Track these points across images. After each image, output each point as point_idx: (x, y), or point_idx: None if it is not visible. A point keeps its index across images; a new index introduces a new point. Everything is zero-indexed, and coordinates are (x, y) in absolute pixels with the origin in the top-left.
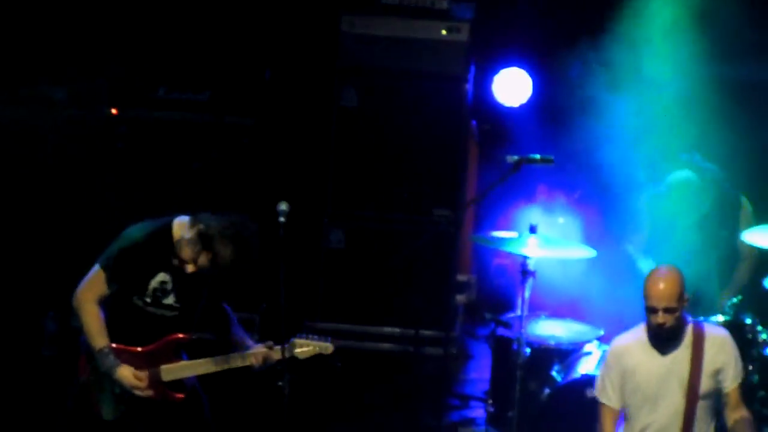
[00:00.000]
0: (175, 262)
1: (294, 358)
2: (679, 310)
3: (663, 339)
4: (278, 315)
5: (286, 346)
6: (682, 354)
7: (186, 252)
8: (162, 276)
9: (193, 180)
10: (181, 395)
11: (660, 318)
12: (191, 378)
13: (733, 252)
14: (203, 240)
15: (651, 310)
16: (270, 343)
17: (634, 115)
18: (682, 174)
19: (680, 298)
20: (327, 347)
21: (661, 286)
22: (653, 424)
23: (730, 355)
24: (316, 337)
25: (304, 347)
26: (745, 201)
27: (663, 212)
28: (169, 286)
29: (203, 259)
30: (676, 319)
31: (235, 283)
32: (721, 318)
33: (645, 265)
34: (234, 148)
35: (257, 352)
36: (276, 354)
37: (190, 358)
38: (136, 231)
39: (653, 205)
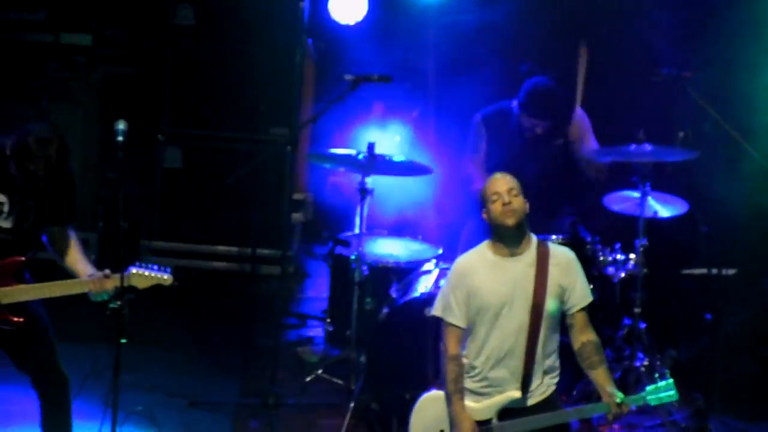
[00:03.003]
0: (28, 168)
1: (131, 287)
2: (523, 199)
3: (510, 235)
4: (116, 234)
5: (125, 274)
6: (526, 271)
7: (29, 157)
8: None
9: (28, 98)
10: (20, 319)
11: (506, 197)
12: (34, 302)
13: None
14: (34, 146)
15: (495, 198)
16: (107, 271)
17: (469, 34)
18: (539, 80)
19: (521, 190)
20: (165, 279)
21: (501, 177)
22: (498, 340)
23: (575, 277)
24: (155, 267)
25: (143, 277)
26: (581, 115)
27: (499, 127)
28: (6, 207)
29: (40, 166)
30: (521, 205)
31: (64, 200)
32: (560, 238)
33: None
34: (71, 67)
35: (96, 280)
36: (113, 282)
37: (35, 281)
38: None
39: (489, 123)
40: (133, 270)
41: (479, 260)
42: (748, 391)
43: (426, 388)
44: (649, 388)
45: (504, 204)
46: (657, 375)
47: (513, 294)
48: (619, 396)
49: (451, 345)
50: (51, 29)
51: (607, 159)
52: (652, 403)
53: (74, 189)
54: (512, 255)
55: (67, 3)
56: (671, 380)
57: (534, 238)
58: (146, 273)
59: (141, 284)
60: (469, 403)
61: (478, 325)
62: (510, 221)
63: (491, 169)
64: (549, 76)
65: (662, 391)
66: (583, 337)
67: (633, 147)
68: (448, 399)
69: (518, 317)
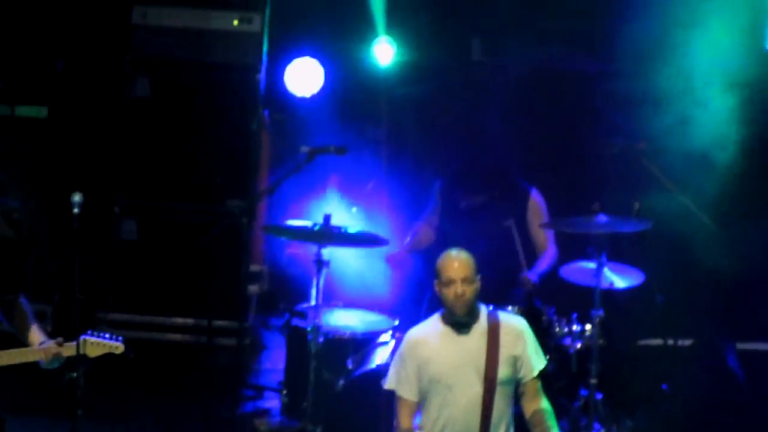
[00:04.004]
0: None
1: (84, 356)
2: (476, 284)
3: (460, 320)
4: (72, 306)
5: (77, 343)
6: (477, 341)
7: None
8: None
9: None
10: None
11: (459, 288)
12: None
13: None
14: None
15: (448, 283)
16: (60, 339)
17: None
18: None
19: (475, 272)
20: (117, 347)
21: (456, 260)
22: (451, 412)
23: (526, 344)
24: (107, 335)
25: (95, 346)
26: (536, 193)
27: (454, 195)
28: None
29: None
30: (474, 292)
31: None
32: (516, 308)
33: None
34: (26, 139)
35: (47, 347)
36: (65, 350)
37: None
38: None
39: (445, 189)
40: (85, 338)
41: (430, 331)
42: None
43: None
44: None
45: (457, 295)
46: None
47: (465, 365)
48: None
49: (403, 418)
50: (6, 101)
51: (562, 230)
52: None
53: (24, 258)
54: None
55: (22, 75)
56: None
57: (484, 309)
58: (98, 341)
59: (93, 352)
60: None
61: (431, 397)
62: (461, 312)
63: (445, 240)
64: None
65: None
66: (535, 404)
67: (588, 218)
68: None
69: (471, 389)
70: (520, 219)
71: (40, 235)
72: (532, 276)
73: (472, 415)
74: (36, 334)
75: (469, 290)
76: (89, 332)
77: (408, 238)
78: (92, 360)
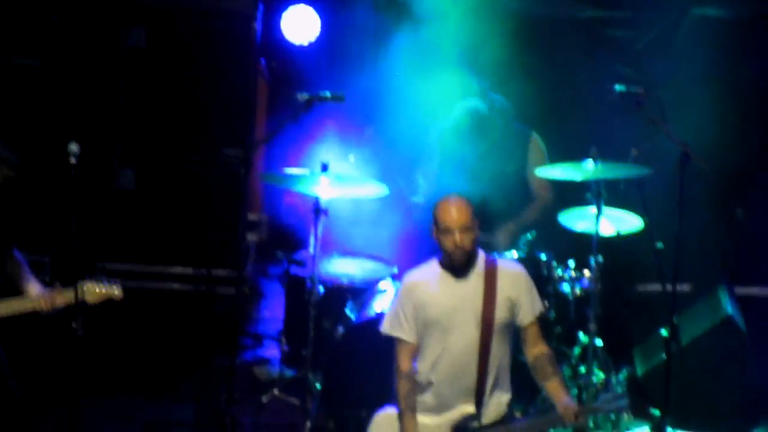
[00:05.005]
0: None
1: (83, 303)
2: (474, 231)
3: (458, 266)
4: (70, 257)
5: (76, 289)
6: (475, 285)
7: None
8: None
9: None
10: None
11: (458, 237)
12: None
13: (523, 188)
14: None
15: (446, 232)
16: (57, 286)
17: (423, 51)
18: (470, 103)
19: (473, 219)
20: (115, 292)
21: (454, 207)
22: (449, 356)
23: (523, 289)
24: (105, 281)
25: (93, 292)
26: (536, 138)
27: (452, 143)
28: None
29: None
30: (473, 242)
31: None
32: (515, 254)
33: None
34: (23, 89)
35: (45, 295)
36: (62, 298)
37: None
38: None
39: (443, 138)
40: (84, 284)
41: (428, 275)
42: (704, 405)
43: (382, 407)
44: (601, 397)
45: (455, 244)
46: (609, 386)
47: (462, 309)
48: (574, 406)
49: (402, 361)
50: (2, 52)
51: (561, 176)
52: (605, 413)
53: (16, 211)
54: (461, 271)
55: (16, 25)
56: (623, 390)
57: (482, 254)
58: (96, 287)
59: (92, 298)
60: (423, 419)
61: (429, 341)
62: (458, 261)
63: (444, 186)
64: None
65: (614, 400)
66: (536, 349)
67: (586, 164)
68: (400, 416)
69: (468, 333)
70: (521, 163)
71: (39, 184)
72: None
73: (469, 359)
74: (33, 285)
75: (468, 238)
76: (87, 278)
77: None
78: (91, 309)
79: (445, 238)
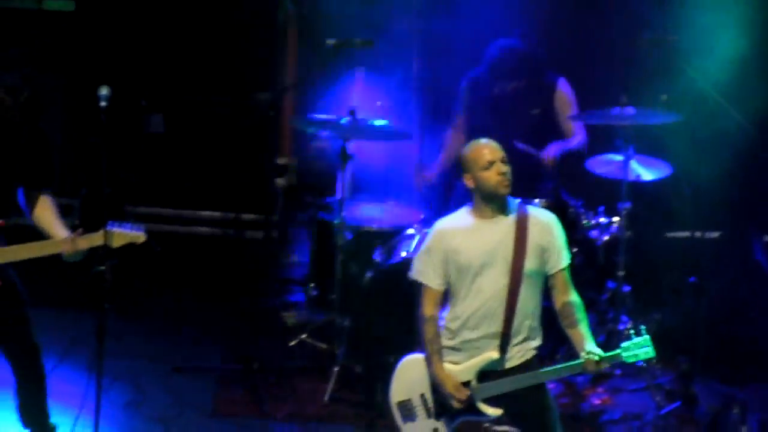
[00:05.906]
0: None
1: (105, 247)
2: (510, 165)
3: (501, 200)
4: (99, 200)
5: (100, 233)
6: (506, 233)
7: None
8: None
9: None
10: None
11: (502, 167)
12: (9, 268)
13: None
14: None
15: (489, 166)
16: (80, 230)
17: None
18: (507, 42)
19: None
20: (139, 236)
21: (489, 145)
22: (477, 302)
23: (554, 236)
24: (129, 225)
25: (117, 236)
26: (562, 85)
27: (483, 82)
28: None
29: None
30: (511, 172)
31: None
32: (543, 201)
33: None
34: (54, 34)
35: (68, 239)
36: (87, 241)
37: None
38: None
39: (473, 85)
40: (108, 229)
41: (459, 223)
42: (732, 354)
43: (410, 351)
44: (624, 344)
45: (500, 173)
46: (633, 331)
47: (492, 255)
48: (596, 354)
49: (427, 306)
50: None
51: (590, 122)
52: (628, 360)
53: (49, 152)
54: (493, 218)
55: None
56: (648, 336)
57: (513, 201)
58: (120, 231)
59: (115, 243)
60: (449, 365)
61: (457, 287)
62: (505, 191)
63: (471, 135)
64: (520, 37)
65: (638, 347)
66: (564, 297)
67: (616, 110)
68: (428, 360)
69: (498, 279)
70: (547, 109)
71: (68, 129)
72: (551, 152)
73: (496, 305)
74: (58, 228)
75: (509, 171)
76: (111, 223)
77: (441, 155)
78: (119, 253)
79: (487, 174)
